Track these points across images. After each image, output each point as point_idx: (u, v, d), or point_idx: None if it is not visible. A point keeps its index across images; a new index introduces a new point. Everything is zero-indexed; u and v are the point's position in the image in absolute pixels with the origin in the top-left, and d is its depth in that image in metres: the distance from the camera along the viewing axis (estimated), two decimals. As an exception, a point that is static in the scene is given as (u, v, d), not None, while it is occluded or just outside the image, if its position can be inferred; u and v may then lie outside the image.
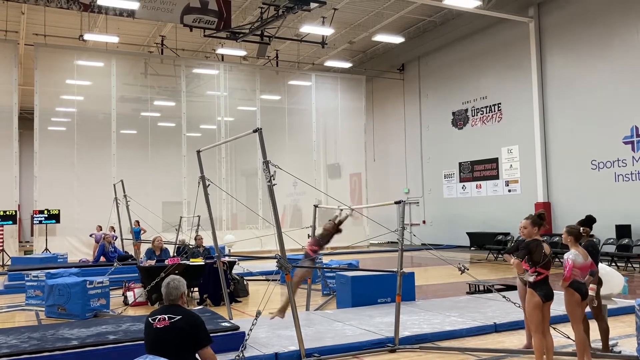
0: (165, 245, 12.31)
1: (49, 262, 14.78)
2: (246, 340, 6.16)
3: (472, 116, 22.99)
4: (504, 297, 7.54)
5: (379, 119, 28.65)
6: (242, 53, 23.26)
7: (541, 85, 19.76)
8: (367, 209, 24.85)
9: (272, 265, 14.24)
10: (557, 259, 15.22)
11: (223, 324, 6.72)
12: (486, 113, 22.33)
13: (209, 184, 8.48)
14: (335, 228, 8.05)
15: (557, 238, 15.78)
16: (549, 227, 18.45)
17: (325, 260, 14.19)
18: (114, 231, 16.41)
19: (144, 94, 23.28)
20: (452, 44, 23.82)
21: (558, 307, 7.70)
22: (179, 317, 4.03)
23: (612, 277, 6.27)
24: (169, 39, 22.43)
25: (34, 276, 10.79)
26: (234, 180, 26.06)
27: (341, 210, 8.22)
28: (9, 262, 17.44)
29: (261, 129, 6.57)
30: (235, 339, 6.32)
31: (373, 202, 23.77)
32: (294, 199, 25.52)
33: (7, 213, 19.25)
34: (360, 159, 26.74)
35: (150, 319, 4.10)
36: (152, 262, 10.91)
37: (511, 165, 21.20)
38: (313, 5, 17.82)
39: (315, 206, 9.55)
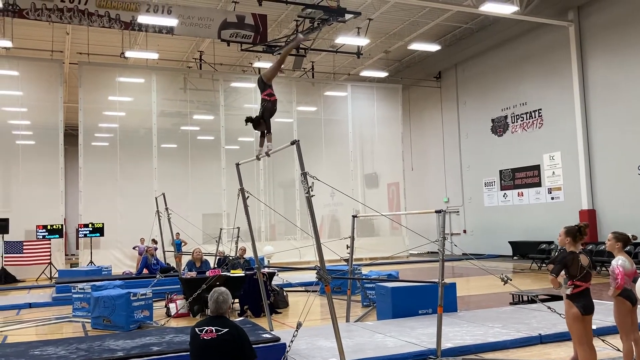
0: (205, 257, 12.46)
1: (94, 275, 15.17)
2: (287, 352, 6.18)
3: (512, 123, 22.61)
4: (549, 307, 7.38)
5: (416, 127, 28.46)
6: (279, 66, 23.45)
7: (583, 90, 19.30)
8: (406, 219, 24.74)
9: (310, 276, 14.27)
10: (603, 268, 14.80)
11: (264, 335, 6.75)
12: (526, 119, 21.93)
13: (248, 196, 8.56)
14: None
15: (603, 246, 15.33)
16: (591, 235, 17.97)
17: (365, 271, 14.11)
18: (156, 243, 16.73)
19: (184, 108, 23.73)
20: (490, 51, 23.53)
21: (606, 317, 7.49)
22: (225, 329, 4.06)
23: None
24: (207, 54, 22.84)
25: (80, 288, 11.05)
26: (272, 192, 26.25)
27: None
28: (56, 275, 17.94)
29: (299, 140, 6.61)
30: (276, 351, 6.34)
31: (411, 212, 23.58)
32: (332, 210, 25.51)
33: (54, 227, 19.84)
34: (397, 168, 26.58)
35: (197, 329, 4.15)
36: (194, 274, 11.06)
37: (553, 172, 20.73)
38: (348, 16, 17.88)
39: (354, 216, 9.50)
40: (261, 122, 7.25)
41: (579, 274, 5.12)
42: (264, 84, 7.30)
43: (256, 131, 7.53)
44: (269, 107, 7.24)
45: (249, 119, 7.26)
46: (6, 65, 20.52)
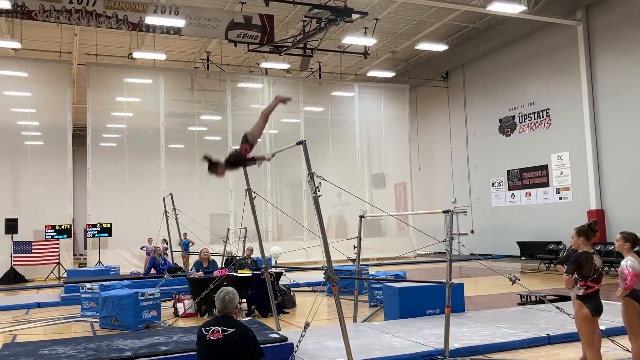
0: (212, 257, 12.48)
1: (102, 275, 15.23)
2: (295, 352, 6.18)
3: (520, 123, 22.53)
4: (558, 308, 7.34)
5: (423, 127, 28.40)
6: (286, 66, 23.51)
7: (591, 89, 19.20)
8: (413, 219, 24.69)
9: (318, 276, 14.27)
10: (612, 269, 14.71)
11: (272, 335, 6.77)
12: (534, 119, 21.84)
13: (255, 196, 8.57)
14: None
15: (612, 247, 15.24)
16: (599, 235, 17.81)
17: (372, 271, 14.10)
18: (167, 243, 16.78)
19: (191, 109, 23.81)
20: (497, 50, 23.45)
21: (615, 318, 7.45)
22: (232, 330, 4.06)
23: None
24: (214, 55, 22.89)
25: (88, 288, 11.10)
26: (279, 192, 26.28)
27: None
28: (65, 275, 18.04)
29: (305, 141, 6.59)
30: (284, 350, 6.36)
31: (419, 212, 23.53)
32: (339, 210, 25.50)
33: (63, 227, 19.95)
34: (405, 169, 26.54)
35: (203, 329, 4.15)
36: (201, 274, 11.09)
37: (562, 172, 20.63)
38: (355, 16, 17.87)
39: (361, 216, 9.48)
40: (219, 166, 6.14)
41: (593, 274, 5.08)
42: (246, 141, 6.34)
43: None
44: (233, 158, 6.26)
45: (206, 157, 6.11)
46: (15, 67, 20.64)
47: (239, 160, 6.29)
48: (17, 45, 19.02)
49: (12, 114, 20.88)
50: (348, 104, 26.04)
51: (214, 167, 6.12)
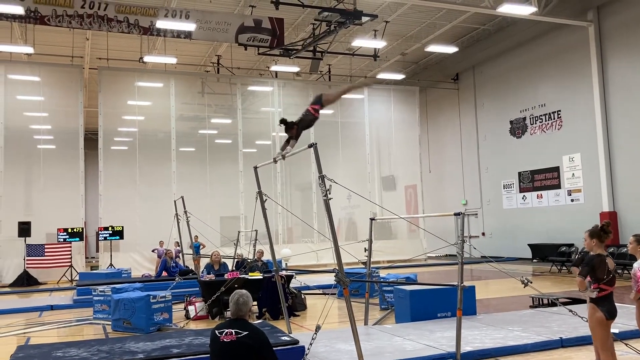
0: (223, 260, 12.52)
1: (114, 277, 15.32)
2: (306, 354, 6.19)
3: (531, 124, 22.41)
4: (571, 310, 7.28)
5: (433, 129, 28.34)
6: (295, 69, 23.57)
7: (603, 91, 19.07)
8: (424, 222, 24.64)
9: (328, 278, 14.28)
10: (625, 271, 14.59)
11: (283, 337, 6.77)
12: (545, 121, 21.72)
13: (265, 199, 8.58)
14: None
15: (625, 249, 15.11)
16: (613, 237, 17.68)
17: (383, 274, 14.08)
18: (179, 246, 16.84)
19: (202, 112, 23.92)
20: (508, 52, 23.36)
21: (628, 321, 7.39)
22: (245, 332, 4.07)
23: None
24: (225, 58, 22.99)
25: (100, 291, 11.16)
26: (289, 195, 26.30)
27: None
28: (77, 278, 18.16)
29: (316, 143, 6.60)
30: (295, 353, 6.36)
31: (429, 215, 23.41)
32: (349, 212, 25.49)
33: (75, 230, 20.10)
34: (415, 171, 26.46)
35: (217, 332, 4.16)
36: (212, 277, 11.12)
37: (573, 174, 20.50)
38: (364, 19, 17.88)
39: (372, 219, 9.47)
40: (294, 128, 7.26)
41: (606, 277, 5.03)
42: (320, 102, 7.44)
43: (285, 134, 7.57)
44: (307, 120, 7.35)
45: (283, 121, 7.35)
46: (28, 71, 20.86)
47: (309, 119, 7.32)
48: (29, 50, 19.20)
49: (25, 118, 21.08)
50: (358, 107, 26.01)
51: (290, 129, 7.21)
